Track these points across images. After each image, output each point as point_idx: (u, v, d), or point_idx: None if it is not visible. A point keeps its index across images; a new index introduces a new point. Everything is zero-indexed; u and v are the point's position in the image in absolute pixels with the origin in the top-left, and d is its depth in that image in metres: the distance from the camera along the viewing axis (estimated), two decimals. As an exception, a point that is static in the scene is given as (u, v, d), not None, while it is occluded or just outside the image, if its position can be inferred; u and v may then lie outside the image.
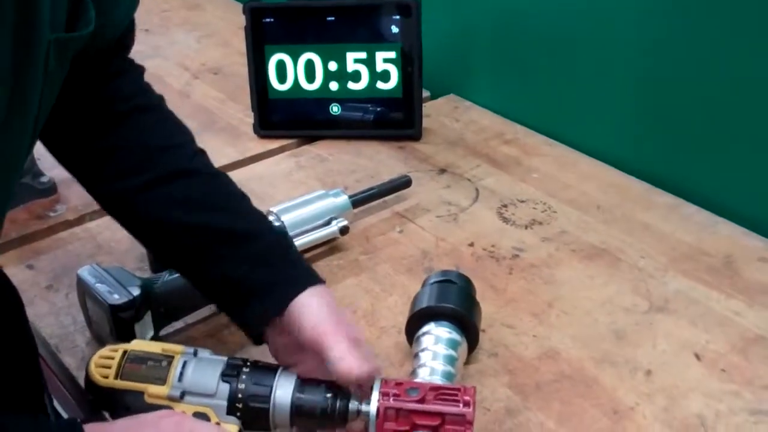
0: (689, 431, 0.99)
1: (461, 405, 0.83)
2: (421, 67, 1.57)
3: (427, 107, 1.71)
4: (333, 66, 1.59)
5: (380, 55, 1.57)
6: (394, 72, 1.58)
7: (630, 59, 1.47)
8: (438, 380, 0.96)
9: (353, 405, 0.85)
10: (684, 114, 1.41)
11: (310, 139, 1.64)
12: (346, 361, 0.84)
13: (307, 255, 1.27)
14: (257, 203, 1.36)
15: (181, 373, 0.87)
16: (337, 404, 0.86)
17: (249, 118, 1.65)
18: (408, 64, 1.57)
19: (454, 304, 1.05)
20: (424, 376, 0.98)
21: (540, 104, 1.66)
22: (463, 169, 1.52)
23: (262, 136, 1.64)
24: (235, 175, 1.50)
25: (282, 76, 1.61)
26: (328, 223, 1.30)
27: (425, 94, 1.69)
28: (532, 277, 1.24)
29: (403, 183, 1.44)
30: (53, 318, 1.17)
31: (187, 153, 1.00)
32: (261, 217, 1.01)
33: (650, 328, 1.14)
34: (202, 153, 1.02)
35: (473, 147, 1.60)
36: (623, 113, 1.51)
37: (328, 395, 0.86)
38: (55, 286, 1.23)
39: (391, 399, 0.84)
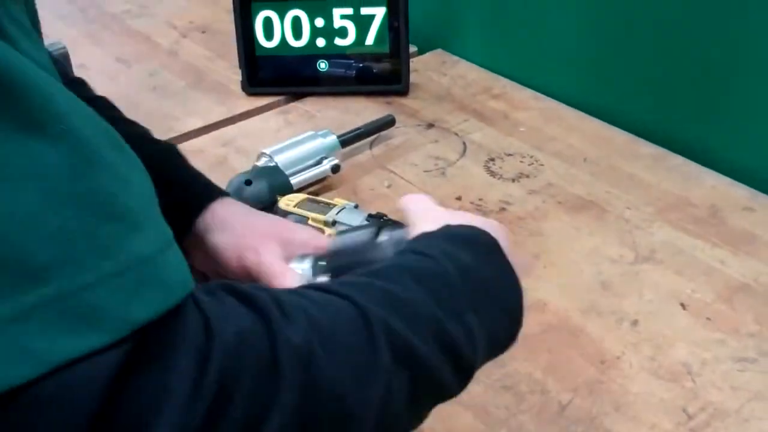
0: (675, 379, 1.00)
1: None
2: (408, 22, 1.57)
3: (415, 62, 1.71)
4: (320, 22, 1.59)
5: (367, 11, 1.57)
6: (381, 27, 1.58)
7: (614, 12, 1.47)
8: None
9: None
10: (668, 65, 1.42)
11: (298, 96, 1.64)
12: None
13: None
14: (247, 160, 1.38)
15: (338, 212, 1.15)
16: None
17: (237, 76, 1.65)
18: (395, 19, 1.57)
19: None
20: None
21: (527, 58, 1.66)
22: (450, 123, 1.53)
23: (251, 94, 1.64)
24: (224, 133, 1.53)
25: (269, 33, 1.61)
26: (319, 162, 1.34)
27: (412, 49, 1.69)
28: (519, 230, 1.25)
29: (388, 122, 1.48)
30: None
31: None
32: (145, 131, 1.01)
33: (636, 278, 1.16)
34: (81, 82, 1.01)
35: (461, 101, 1.60)
36: (608, 65, 1.51)
37: None
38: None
39: None
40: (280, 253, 0.91)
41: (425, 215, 0.82)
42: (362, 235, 0.90)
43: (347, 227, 1.10)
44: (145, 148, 0.96)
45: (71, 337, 0.48)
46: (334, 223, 1.14)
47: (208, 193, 0.97)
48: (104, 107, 1.01)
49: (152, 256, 0.52)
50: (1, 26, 0.52)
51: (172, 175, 0.96)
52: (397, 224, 0.95)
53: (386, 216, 1.12)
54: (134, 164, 0.56)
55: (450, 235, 0.76)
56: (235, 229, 0.93)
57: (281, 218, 1.02)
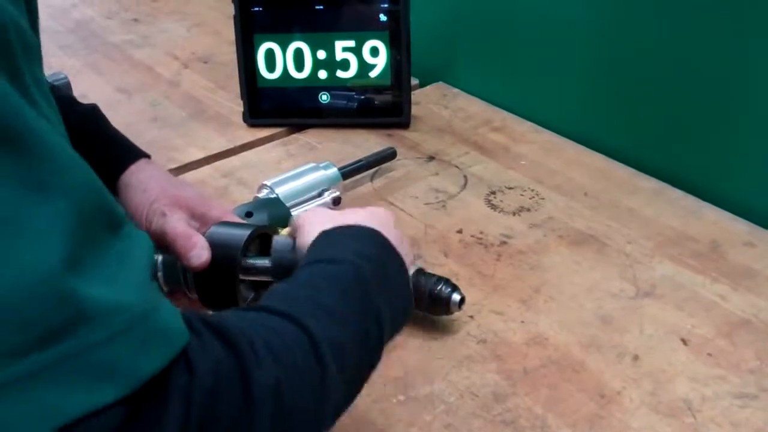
0: (675, 415, 1.00)
1: None
2: (410, 55, 1.58)
3: (416, 95, 1.71)
4: (322, 54, 1.60)
5: (369, 44, 1.58)
6: (382, 60, 1.59)
7: (614, 46, 1.47)
8: None
9: None
10: (669, 99, 1.42)
11: (299, 128, 1.65)
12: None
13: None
14: (248, 192, 1.38)
15: None
16: None
17: (239, 107, 1.66)
18: (396, 52, 1.57)
19: None
20: None
21: (527, 91, 1.67)
22: (451, 156, 1.53)
23: (252, 125, 1.65)
24: (225, 164, 1.53)
25: (271, 65, 1.61)
26: (320, 194, 1.35)
27: (414, 81, 1.70)
28: (519, 264, 1.25)
29: (389, 155, 1.48)
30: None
31: None
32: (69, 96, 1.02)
33: (637, 313, 1.15)
34: None
35: (461, 134, 1.61)
36: (609, 99, 1.52)
37: None
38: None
39: None
40: (187, 221, 0.93)
41: (313, 218, 0.86)
42: (236, 235, 0.91)
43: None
44: (71, 110, 0.98)
45: (85, 393, 0.49)
46: None
47: (130, 154, 0.99)
48: None
49: (153, 310, 0.54)
50: (28, 91, 0.53)
51: (97, 135, 0.99)
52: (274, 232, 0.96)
53: None
54: (132, 234, 0.58)
55: (350, 234, 0.82)
56: (148, 192, 0.95)
57: (202, 194, 1.00)
